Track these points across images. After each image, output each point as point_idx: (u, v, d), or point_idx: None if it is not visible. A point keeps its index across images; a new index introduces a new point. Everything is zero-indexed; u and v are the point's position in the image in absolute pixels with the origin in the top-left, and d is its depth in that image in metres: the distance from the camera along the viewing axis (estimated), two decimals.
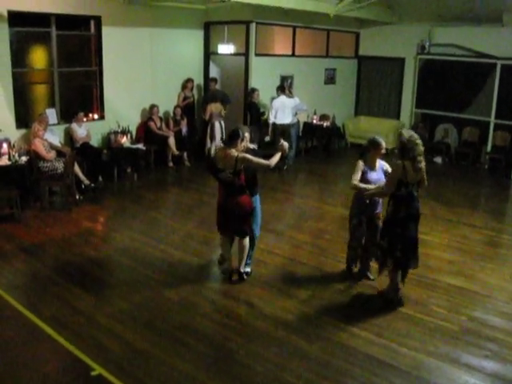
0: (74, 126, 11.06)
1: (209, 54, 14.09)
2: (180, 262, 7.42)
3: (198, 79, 13.96)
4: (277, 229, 8.95)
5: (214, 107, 12.99)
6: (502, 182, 12.88)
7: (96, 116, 12.06)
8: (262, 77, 13.64)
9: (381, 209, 6.74)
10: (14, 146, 9.70)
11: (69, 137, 11.18)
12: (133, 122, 12.46)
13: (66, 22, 11.23)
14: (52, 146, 10.15)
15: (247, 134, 6.67)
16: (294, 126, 13.37)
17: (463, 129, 14.65)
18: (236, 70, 13.89)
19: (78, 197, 9.90)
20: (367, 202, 6.58)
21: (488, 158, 14.04)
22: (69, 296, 6.36)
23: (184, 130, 12.91)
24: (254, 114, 13.06)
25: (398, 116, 16.12)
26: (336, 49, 15.83)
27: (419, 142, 6.08)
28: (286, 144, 6.88)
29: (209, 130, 12.99)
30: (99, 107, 12.05)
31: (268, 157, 6.68)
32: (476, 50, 14.14)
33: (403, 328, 5.86)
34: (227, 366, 5.04)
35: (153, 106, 12.35)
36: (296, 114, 13.35)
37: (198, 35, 13.83)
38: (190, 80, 13.39)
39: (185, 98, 13.29)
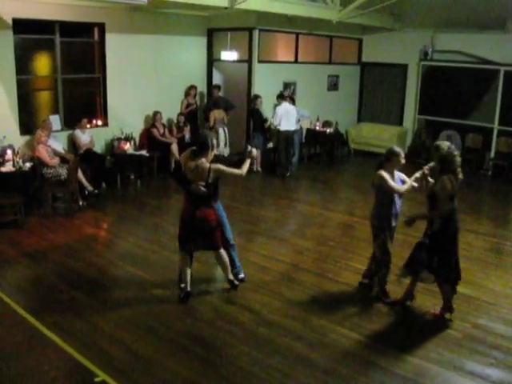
0: (78, 132, 11.09)
1: (212, 60, 14.11)
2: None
3: (202, 86, 13.98)
4: (280, 235, 8.96)
5: (217, 114, 13.01)
6: (505, 188, 12.86)
7: (99, 122, 12.08)
8: (265, 83, 13.65)
9: None
10: (17, 152, 9.72)
11: (72, 143, 11.20)
12: (136, 128, 12.48)
13: (70, 29, 11.28)
14: (56, 153, 10.18)
15: (215, 141, 6.51)
16: (297, 133, 13.40)
17: (466, 135, 14.62)
18: (239, 77, 13.91)
19: (81, 203, 9.92)
20: (395, 213, 6.44)
21: (491, 165, 14.02)
22: (72, 302, 6.36)
23: (187, 136, 12.92)
24: (256, 120, 13.07)
25: (400, 122, 16.12)
26: (339, 55, 15.84)
27: (457, 152, 5.94)
28: (254, 151, 6.70)
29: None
30: (103, 114, 12.08)
31: (235, 163, 6.60)
32: (479, 56, 14.15)
33: (407, 336, 5.85)
34: (230, 373, 5.02)
35: (156, 113, 12.37)
36: (299, 120, 13.38)
37: (202, 42, 13.86)
38: (193, 87, 13.41)
39: (188, 105, 13.31)
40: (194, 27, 13.49)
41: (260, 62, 13.49)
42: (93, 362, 5.10)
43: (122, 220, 9.67)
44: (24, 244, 8.16)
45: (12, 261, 7.57)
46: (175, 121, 13.00)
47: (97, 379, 4.86)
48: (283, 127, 12.68)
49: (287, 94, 13.77)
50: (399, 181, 6.44)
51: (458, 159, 5.92)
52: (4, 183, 9.10)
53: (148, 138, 12.45)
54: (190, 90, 13.39)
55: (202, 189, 6.20)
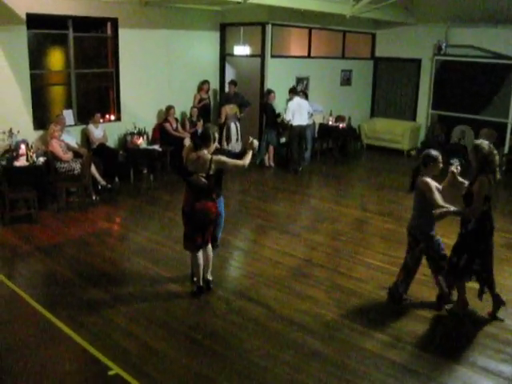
0: (91, 127, 11.13)
1: (224, 55, 14.10)
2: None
3: (214, 81, 13.98)
4: (292, 230, 8.96)
5: (229, 109, 13.00)
6: None
7: (112, 117, 12.13)
8: (278, 78, 13.63)
9: None
10: (31, 147, 9.76)
11: (85, 138, 11.26)
12: (149, 123, 12.50)
13: (83, 24, 11.32)
14: (69, 147, 10.24)
15: (216, 135, 6.43)
16: (310, 128, 13.37)
17: (480, 130, 14.52)
18: (252, 72, 13.90)
19: (94, 197, 9.98)
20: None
21: (505, 160, 13.91)
22: (86, 296, 6.40)
23: (200, 131, 12.93)
24: (269, 115, 13.05)
25: (414, 117, 16.04)
26: (352, 50, 15.78)
27: (495, 151, 5.82)
28: (255, 141, 6.53)
29: (224, 132, 13.02)
30: (115, 108, 12.12)
31: (238, 155, 6.58)
32: (493, 51, 14.04)
33: (420, 331, 5.83)
34: (243, 368, 5.04)
35: (169, 108, 12.38)
36: (312, 115, 13.34)
37: (214, 37, 13.85)
38: (205, 82, 13.41)
39: (201, 100, 13.31)
40: (206, 22, 13.48)
41: (273, 56, 13.46)
42: (106, 355, 5.13)
43: (134, 214, 9.70)
44: (38, 238, 8.21)
45: (26, 255, 7.63)
46: (188, 114, 13.00)
47: (110, 373, 4.89)
48: (296, 122, 12.64)
49: (300, 88, 13.74)
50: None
51: (497, 158, 5.83)
52: (18, 177, 9.16)
53: (161, 132, 12.47)
54: (203, 84, 13.39)
55: (203, 180, 6.14)
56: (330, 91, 15.21)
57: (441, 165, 6.16)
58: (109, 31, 11.88)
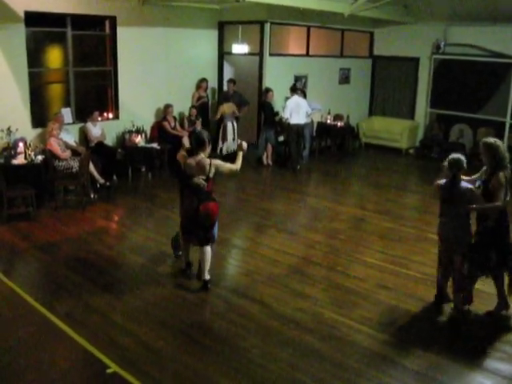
0: (89, 125, 11.13)
1: (223, 53, 14.10)
2: (193, 261, 7.43)
3: (213, 79, 13.98)
4: (290, 228, 8.97)
5: (227, 107, 12.99)
6: None
7: (111, 115, 12.12)
8: (276, 77, 13.63)
9: None
10: (29, 145, 9.75)
11: (84, 136, 11.25)
12: (147, 121, 12.50)
13: (82, 22, 11.31)
14: (67, 146, 10.23)
15: (208, 138, 6.62)
16: (308, 126, 13.37)
17: (478, 129, 14.55)
18: (250, 70, 13.90)
19: (92, 195, 9.97)
20: None
21: None
22: (84, 294, 6.40)
23: (198, 129, 12.93)
24: (267, 113, 13.04)
25: (412, 116, 16.04)
26: (350, 48, 15.78)
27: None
28: (244, 144, 6.77)
29: (221, 131, 13.01)
30: (114, 107, 12.11)
31: (229, 158, 6.90)
32: (492, 49, 14.05)
33: (419, 329, 5.84)
34: (241, 365, 5.04)
35: (167, 106, 12.38)
36: (309, 115, 13.33)
37: (213, 35, 13.85)
38: (204, 80, 13.41)
39: (199, 98, 13.31)
40: (204, 20, 13.47)
41: (271, 55, 13.46)
42: (105, 353, 5.14)
43: (132, 212, 9.70)
44: (36, 236, 8.21)
45: (24, 253, 7.62)
46: (187, 114, 12.99)
47: (109, 370, 4.89)
48: (293, 120, 12.63)
49: (298, 87, 13.74)
50: None
51: (508, 154, 5.90)
52: (16, 175, 9.15)
53: (159, 131, 12.47)
54: (202, 82, 13.38)
55: (204, 182, 6.38)
56: (329, 90, 15.21)
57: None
58: (107, 29, 11.87)
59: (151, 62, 12.44)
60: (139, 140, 11.71)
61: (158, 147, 11.95)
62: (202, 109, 13.22)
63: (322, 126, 14.77)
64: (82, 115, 11.42)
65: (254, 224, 9.20)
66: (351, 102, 15.99)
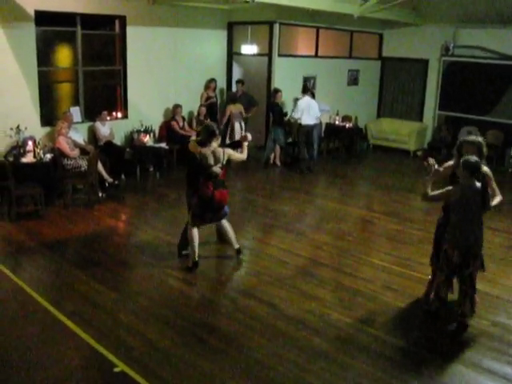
0: (98, 124, 11.17)
1: (232, 54, 14.12)
2: (201, 260, 7.44)
3: (221, 79, 14.00)
4: (298, 229, 8.95)
5: (234, 108, 12.99)
6: None
7: (119, 115, 12.16)
8: (285, 77, 13.64)
9: None
10: (38, 143, 9.79)
11: (92, 135, 11.29)
12: (156, 121, 12.53)
13: (91, 21, 11.35)
14: (76, 144, 10.26)
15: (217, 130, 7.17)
16: (317, 127, 13.35)
17: (487, 132, 14.50)
18: (259, 71, 13.90)
19: (100, 194, 10.00)
20: None
21: None
22: (91, 292, 6.42)
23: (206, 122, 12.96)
24: (276, 114, 13.04)
25: (420, 118, 16.03)
26: (359, 50, 15.77)
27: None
28: (249, 135, 7.54)
29: (228, 131, 13.01)
30: (123, 106, 12.15)
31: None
32: (501, 51, 14.01)
33: (424, 332, 5.82)
34: (248, 366, 5.04)
35: (176, 106, 12.41)
36: (319, 117, 13.33)
37: (222, 35, 13.87)
38: (212, 80, 13.42)
39: (208, 98, 13.32)
40: (214, 20, 13.49)
41: (280, 55, 13.47)
42: (112, 352, 5.15)
43: (140, 212, 9.72)
44: (44, 234, 8.24)
45: (32, 251, 7.65)
46: (195, 113, 13.01)
47: (116, 369, 4.90)
48: (304, 121, 12.64)
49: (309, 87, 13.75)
50: None
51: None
52: (25, 174, 9.18)
53: (167, 130, 12.49)
54: (210, 83, 13.40)
55: (220, 170, 6.96)
56: (337, 91, 15.21)
57: None
58: (117, 29, 11.91)
59: (160, 62, 12.47)
60: (148, 140, 11.74)
61: (167, 147, 11.98)
62: (210, 109, 13.23)
63: (330, 127, 14.77)
64: (90, 114, 11.47)
65: (262, 224, 9.20)
66: (360, 104, 15.99)
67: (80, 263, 7.30)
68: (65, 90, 11.96)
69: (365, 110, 16.21)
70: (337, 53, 15.22)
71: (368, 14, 13.18)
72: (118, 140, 11.78)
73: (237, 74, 14.29)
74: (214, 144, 6.99)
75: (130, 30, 11.75)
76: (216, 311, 6.13)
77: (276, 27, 13.18)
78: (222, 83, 14.07)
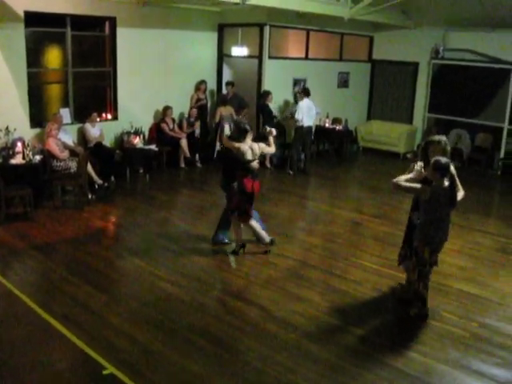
0: (88, 125, 11.13)
1: (222, 56, 14.11)
2: (191, 262, 7.45)
3: (212, 81, 13.99)
4: (288, 232, 8.95)
5: (224, 110, 12.99)
6: None
7: (109, 116, 12.13)
8: (275, 80, 13.65)
9: None
10: (28, 145, 9.75)
11: (82, 136, 11.24)
12: (146, 122, 12.50)
13: (81, 22, 11.30)
14: (65, 146, 10.22)
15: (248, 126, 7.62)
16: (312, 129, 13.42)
17: (476, 134, 14.60)
18: (249, 73, 13.90)
19: (90, 196, 9.97)
20: None
21: (501, 164, 13.97)
22: (81, 295, 6.39)
23: (197, 131, 12.96)
24: (266, 116, 13.06)
25: (410, 121, 16.08)
26: (350, 52, 15.80)
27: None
28: (273, 130, 8.04)
29: (218, 132, 13.00)
30: (112, 107, 12.12)
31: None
32: (490, 55, 14.09)
33: (414, 333, 5.84)
34: (237, 368, 5.04)
35: (166, 108, 12.39)
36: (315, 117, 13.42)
37: (212, 37, 13.86)
38: (203, 82, 13.42)
39: (198, 100, 13.32)
40: (204, 22, 13.48)
41: (270, 58, 13.48)
42: (101, 354, 5.13)
43: (130, 214, 9.69)
44: (33, 236, 8.20)
45: (21, 253, 7.61)
46: (186, 115, 12.99)
47: (105, 372, 4.88)
48: (305, 123, 12.71)
49: (298, 89, 13.76)
50: None
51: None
52: (14, 175, 9.14)
53: (157, 132, 12.48)
54: (200, 84, 13.39)
55: (258, 164, 7.60)
56: (327, 93, 15.22)
57: None
58: (107, 30, 11.87)
59: (150, 64, 12.44)
60: (137, 141, 11.72)
61: (157, 149, 11.96)
62: (200, 111, 13.23)
63: (320, 129, 14.74)
64: (80, 116, 11.42)
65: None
66: (350, 106, 16.02)
67: (69, 265, 7.28)
68: (54, 91, 11.90)
69: (355, 113, 16.23)
70: (327, 55, 15.24)
71: (358, 17, 13.21)
72: (108, 142, 11.74)
73: (227, 75, 14.29)
74: (249, 140, 7.49)
75: (120, 32, 11.71)
76: (206, 313, 6.12)
77: (266, 29, 13.19)
78: (212, 85, 14.07)
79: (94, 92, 12.34)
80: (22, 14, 10.02)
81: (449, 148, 6.13)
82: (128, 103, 12.10)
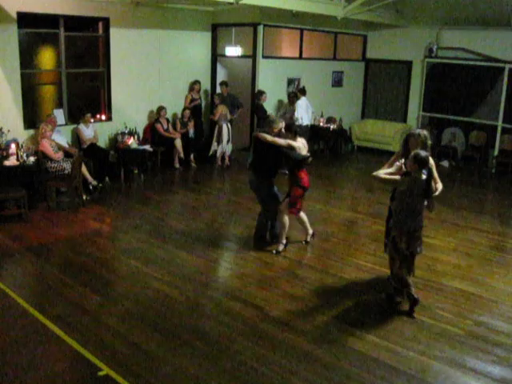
0: (82, 126, 11.11)
1: (216, 56, 14.11)
2: (186, 263, 7.44)
3: (206, 81, 13.99)
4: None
5: (222, 109, 13.00)
6: (509, 186, 12.84)
7: (103, 117, 12.12)
8: (269, 79, 13.66)
9: None
10: (22, 146, 9.73)
11: (76, 137, 11.23)
12: (140, 123, 12.50)
13: (75, 23, 11.30)
14: (59, 147, 10.20)
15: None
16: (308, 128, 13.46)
17: (470, 132, 14.63)
18: (243, 73, 13.91)
19: (84, 197, 9.93)
20: None
21: (495, 162, 14.01)
22: (75, 296, 6.38)
23: (191, 131, 12.95)
24: (260, 116, 13.05)
25: (404, 119, 16.10)
26: (343, 51, 15.83)
27: None
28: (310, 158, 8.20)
29: (216, 132, 13.00)
30: (106, 108, 12.10)
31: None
32: (484, 53, 14.12)
33: (409, 332, 5.85)
34: (232, 368, 5.04)
35: (160, 108, 12.38)
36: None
37: (206, 37, 13.86)
38: (197, 82, 13.41)
39: (192, 100, 13.31)
40: (198, 22, 13.48)
41: (264, 57, 13.48)
42: (96, 355, 5.12)
43: (125, 214, 9.67)
44: (27, 238, 8.18)
45: (15, 254, 7.59)
46: (180, 116, 12.99)
47: (100, 373, 4.87)
48: (305, 121, 12.76)
49: (292, 89, 13.77)
50: None
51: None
52: (8, 177, 9.13)
53: (152, 132, 12.47)
54: (195, 84, 13.39)
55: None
56: (322, 92, 15.23)
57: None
58: (100, 31, 11.87)
59: (144, 64, 12.44)
60: (132, 142, 11.69)
61: (151, 149, 11.96)
62: (194, 111, 13.23)
63: (314, 128, 14.76)
64: (74, 117, 11.42)
65: (246, 226, 9.17)
66: (344, 105, 16.05)
67: (64, 266, 7.26)
68: (48, 92, 11.89)
69: (349, 112, 16.26)
70: (321, 54, 15.26)
71: (352, 16, 13.23)
72: (102, 142, 11.73)
73: (221, 75, 14.29)
74: (298, 137, 7.79)
75: (114, 32, 11.70)
76: (201, 314, 6.11)
77: (260, 29, 13.19)
78: (206, 85, 14.07)
79: (88, 93, 12.34)
80: (14, 15, 10.00)
81: (429, 142, 6.43)
82: (122, 104, 12.09)
